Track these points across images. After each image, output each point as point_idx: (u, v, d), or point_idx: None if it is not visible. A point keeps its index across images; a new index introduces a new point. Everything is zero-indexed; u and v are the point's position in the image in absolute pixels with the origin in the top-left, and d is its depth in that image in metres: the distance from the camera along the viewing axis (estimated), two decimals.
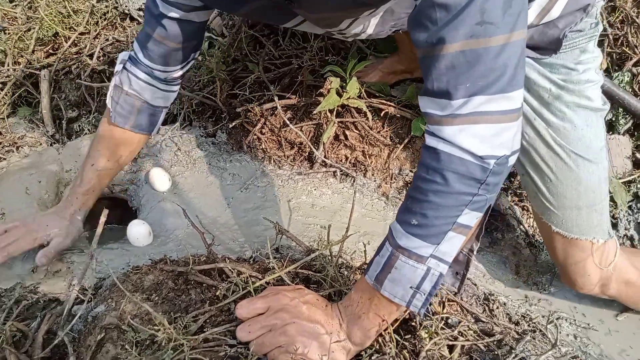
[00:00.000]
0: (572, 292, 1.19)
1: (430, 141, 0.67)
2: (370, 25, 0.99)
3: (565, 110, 0.95)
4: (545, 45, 0.93)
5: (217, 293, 0.84)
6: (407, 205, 0.70)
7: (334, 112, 1.31)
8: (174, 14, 0.97)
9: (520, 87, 0.65)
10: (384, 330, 0.80)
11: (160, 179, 1.32)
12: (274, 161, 1.44)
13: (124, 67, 1.08)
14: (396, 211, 1.31)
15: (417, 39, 0.66)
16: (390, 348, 0.77)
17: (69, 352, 0.78)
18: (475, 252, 0.78)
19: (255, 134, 1.43)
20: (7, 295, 0.99)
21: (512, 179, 1.38)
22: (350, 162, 1.40)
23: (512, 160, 0.68)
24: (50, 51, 1.79)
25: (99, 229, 0.92)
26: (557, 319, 1.07)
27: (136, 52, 1.05)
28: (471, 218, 0.68)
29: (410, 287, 0.70)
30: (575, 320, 1.11)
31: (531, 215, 1.32)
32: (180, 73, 1.11)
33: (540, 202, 1.03)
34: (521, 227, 1.31)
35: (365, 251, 0.95)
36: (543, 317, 1.04)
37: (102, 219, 0.93)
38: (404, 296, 0.71)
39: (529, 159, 1.02)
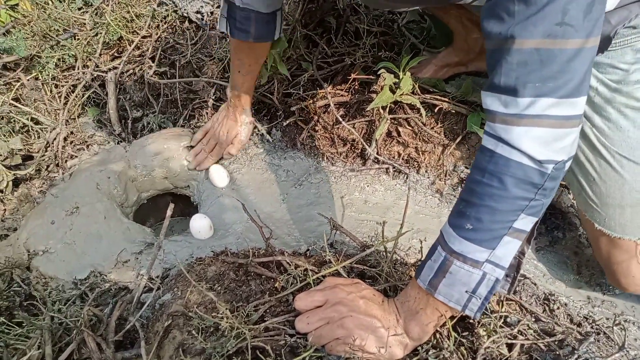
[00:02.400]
0: (637, 294, 1.14)
1: (487, 142, 0.67)
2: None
3: (611, 111, 0.92)
4: None
5: (276, 285, 0.87)
6: (460, 209, 0.70)
7: (387, 109, 1.31)
8: None
9: (585, 94, 0.64)
10: (441, 327, 0.80)
11: (219, 176, 1.37)
12: (327, 158, 1.46)
13: None
14: (451, 208, 1.30)
15: (490, 30, 0.64)
16: (448, 344, 0.77)
17: (140, 337, 0.83)
18: (525, 255, 0.76)
19: (308, 132, 1.46)
20: (83, 283, 1.07)
21: None
22: (403, 159, 1.40)
23: (568, 165, 0.67)
24: (116, 54, 1.89)
25: (166, 222, 0.97)
26: (624, 321, 1.03)
27: None
28: (527, 222, 0.67)
29: (466, 292, 0.69)
30: None
31: None
32: None
33: (583, 199, 1.01)
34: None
35: (421, 248, 0.95)
36: (607, 319, 1.00)
37: (169, 212, 0.98)
38: (459, 300, 0.70)
39: (573, 157, 0.99)
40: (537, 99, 0.62)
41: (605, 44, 0.88)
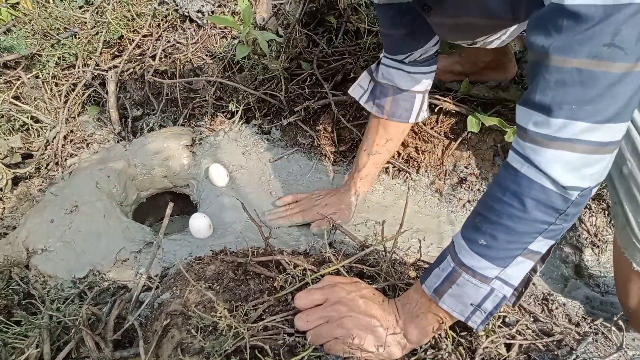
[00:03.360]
0: None
1: (513, 160, 0.64)
2: (506, 35, 0.98)
3: None
4: None
5: (275, 284, 0.87)
6: (476, 223, 0.68)
7: None
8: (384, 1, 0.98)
9: (627, 121, 0.59)
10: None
11: (219, 175, 1.37)
12: (327, 157, 1.46)
13: (378, 61, 1.13)
14: (450, 208, 1.31)
15: (533, 41, 0.60)
16: (446, 344, 0.77)
17: (139, 336, 0.83)
18: (537, 273, 0.74)
19: (308, 131, 1.46)
20: (82, 282, 1.07)
21: None
22: (402, 158, 1.40)
23: (595, 191, 0.63)
24: (116, 53, 1.89)
25: (165, 221, 0.97)
26: (622, 321, 1.02)
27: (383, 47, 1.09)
28: (543, 245, 0.65)
29: (471, 304, 0.69)
30: None
31: (593, 214, 1.27)
32: (418, 56, 1.08)
33: (627, 235, 0.91)
34: (583, 226, 1.26)
35: (420, 247, 0.95)
36: (605, 319, 0.99)
37: (168, 211, 0.98)
38: (463, 311, 0.70)
39: (625, 188, 0.88)
40: (571, 121, 0.58)
41: None
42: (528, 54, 0.63)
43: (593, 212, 1.27)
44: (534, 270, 0.72)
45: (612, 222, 0.99)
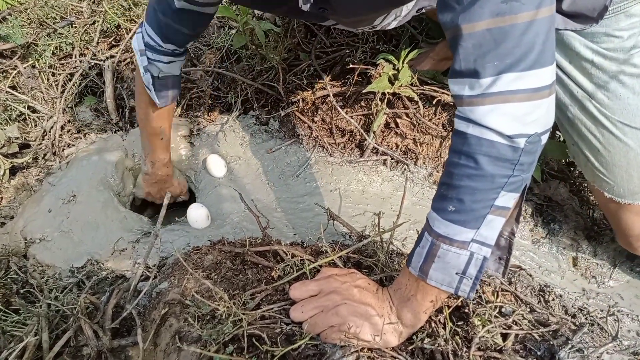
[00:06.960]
0: (632, 287, 1.14)
1: (459, 125, 0.67)
2: (400, 15, 1.00)
3: (609, 81, 0.93)
4: (589, 12, 0.89)
5: (273, 274, 0.87)
6: (442, 192, 0.70)
7: (385, 101, 1.31)
8: (192, 6, 0.99)
9: (550, 64, 0.63)
10: (436, 316, 0.80)
11: (216, 166, 1.37)
12: (325, 149, 1.45)
13: (148, 59, 1.14)
14: None
15: (444, 20, 0.66)
16: (444, 333, 0.77)
17: (137, 325, 0.83)
18: (516, 235, 0.77)
19: (306, 122, 1.46)
20: (80, 271, 1.08)
21: (572, 169, 1.33)
22: (400, 150, 1.40)
23: (545, 137, 0.67)
24: (113, 43, 1.87)
25: (163, 211, 0.97)
26: (617, 311, 1.03)
27: (153, 38, 1.09)
28: (508, 199, 0.67)
29: (456, 274, 0.70)
30: (637, 316, 1.06)
31: (591, 207, 1.28)
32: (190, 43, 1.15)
33: (590, 171, 1.03)
34: (580, 218, 1.27)
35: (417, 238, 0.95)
36: (601, 310, 1.00)
37: (166, 201, 0.98)
38: (450, 283, 0.71)
39: (576, 131, 1.01)
40: (499, 76, 0.62)
41: (600, 13, 0.88)
42: (445, 34, 0.68)
43: (591, 205, 1.28)
44: (512, 233, 0.74)
45: (574, 161, 1.12)
